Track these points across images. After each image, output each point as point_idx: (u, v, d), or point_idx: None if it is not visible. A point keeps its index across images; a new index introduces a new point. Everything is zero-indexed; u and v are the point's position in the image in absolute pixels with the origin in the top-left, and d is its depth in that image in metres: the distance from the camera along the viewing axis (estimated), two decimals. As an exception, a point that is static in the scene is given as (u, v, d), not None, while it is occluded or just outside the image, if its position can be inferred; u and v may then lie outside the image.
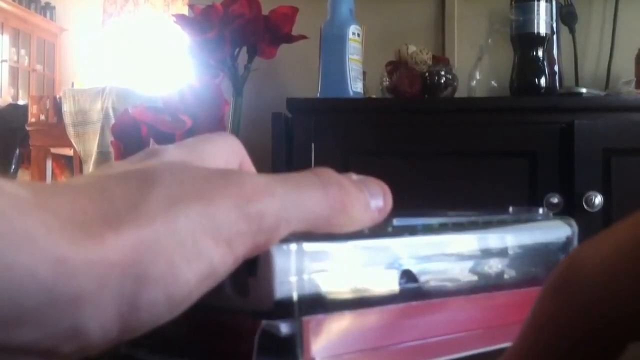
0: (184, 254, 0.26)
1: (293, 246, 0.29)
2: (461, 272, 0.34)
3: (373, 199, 0.32)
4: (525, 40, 1.97)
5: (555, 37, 2.09)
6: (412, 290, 0.32)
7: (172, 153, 0.32)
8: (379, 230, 0.33)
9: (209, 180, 0.28)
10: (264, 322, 0.28)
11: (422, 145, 1.82)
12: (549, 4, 1.97)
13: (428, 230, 0.34)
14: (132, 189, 0.26)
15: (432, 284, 0.33)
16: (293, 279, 0.29)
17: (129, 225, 0.25)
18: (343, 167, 1.77)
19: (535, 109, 1.84)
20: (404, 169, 1.79)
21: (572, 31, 2.19)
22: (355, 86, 1.97)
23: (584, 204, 1.70)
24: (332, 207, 0.30)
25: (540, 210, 0.41)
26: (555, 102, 1.89)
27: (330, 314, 0.30)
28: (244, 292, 0.29)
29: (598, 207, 1.70)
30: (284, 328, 0.28)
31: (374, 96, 2.13)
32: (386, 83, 2.07)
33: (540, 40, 1.96)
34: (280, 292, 0.28)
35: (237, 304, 0.29)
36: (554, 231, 0.40)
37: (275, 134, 1.84)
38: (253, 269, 0.29)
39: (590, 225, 1.71)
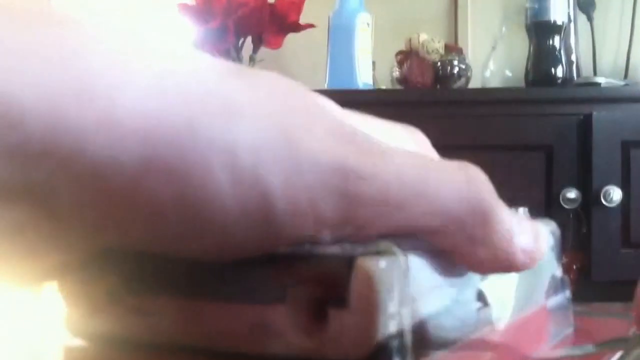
0: (230, 168, 0.20)
1: (400, 259, 0.22)
2: (506, 293, 0.30)
3: (526, 233, 0.26)
4: (541, 29, 1.96)
5: (572, 25, 2.08)
6: (487, 314, 0.27)
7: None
8: None
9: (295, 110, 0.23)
10: None
11: (434, 138, 1.81)
12: (565, -9, 1.97)
13: None
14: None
15: (495, 306, 0.28)
16: (402, 309, 0.21)
17: None
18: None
19: (552, 100, 1.84)
20: (415, 162, 1.79)
21: (589, 19, 2.19)
22: (365, 77, 1.97)
23: (602, 198, 1.70)
24: (474, 210, 0.24)
25: (521, 210, 0.38)
26: (573, 93, 1.89)
27: (439, 353, 0.23)
28: (317, 332, 0.21)
29: (617, 202, 1.70)
30: None
31: (383, 87, 2.13)
32: (396, 74, 2.07)
33: (556, 29, 1.96)
34: (383, 330, 0.21)
35: (304, 351, 0.21)
36: None
37: (282, 127, 1.84)
38: (337, 295, 0.21)
39: (608, 221, 1.71)
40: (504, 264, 0.25)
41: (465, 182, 0.24)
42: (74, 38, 0.20)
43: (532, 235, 0.26)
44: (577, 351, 0.33)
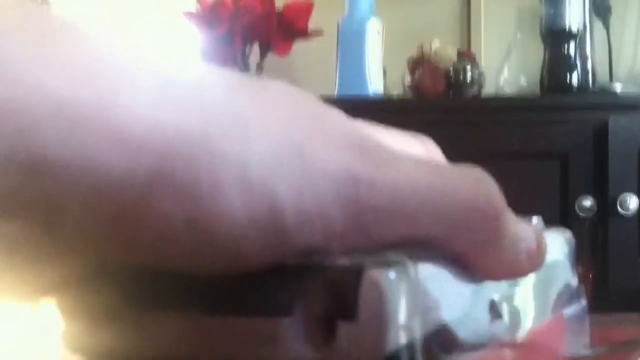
0: (241, 180, 0.20)
1: (410, 270, 0.21)
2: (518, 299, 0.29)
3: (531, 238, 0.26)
4: (555, 35, 1.96)
5: (587, 31, 2.08)
6: (500, 326, 0.27)
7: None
8: None
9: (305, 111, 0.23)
10: None
11: (447, 146, 1.80)
12: (580, -5, 1.96)
13: None
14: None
15: (510, 317, 0.27)
16: (412, 321, 0.21)
17: None
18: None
19: (567, 108, 1.84)
20: (427, 171, 1.79)
21: (605, 25, 2.18)
22: (375, 85, 1.97)
23: (618, 207, 1.69)
24: (484, 214, 0.24)
25: (535, 219, 0.37)
26: (588, 99, 1.89)
27: None
28: (326, 345, 0.21)
29: (633, 210, 1.69)
30: None
31: (395, 95, 2.13)
32: (408, 81, 2.07)
33: (571, 35, 1.95)
34: (393, 342, 0.20)
35: None
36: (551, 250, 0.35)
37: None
38: (346, 307, 0.20)
39: (625, 229, 1.70)
40: (512, 268, 0.26)
41: (474, 187, 0.24)
42: (90, 50, 0.20)
43: (534, 238, 0.26)
44: (589, 352, 0.33)
